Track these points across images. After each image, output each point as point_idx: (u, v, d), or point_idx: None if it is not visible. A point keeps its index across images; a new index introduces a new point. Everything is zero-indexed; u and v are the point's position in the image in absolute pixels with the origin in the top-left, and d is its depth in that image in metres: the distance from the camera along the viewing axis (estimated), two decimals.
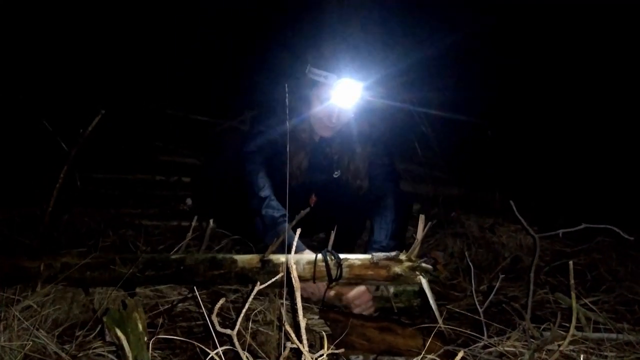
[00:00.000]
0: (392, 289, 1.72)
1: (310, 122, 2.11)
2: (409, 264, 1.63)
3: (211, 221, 1.76)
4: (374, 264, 1.64)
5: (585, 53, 4.19)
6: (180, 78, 4.10)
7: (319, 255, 1.63)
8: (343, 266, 1.62)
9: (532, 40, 4.29)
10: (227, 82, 4.14)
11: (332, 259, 1.63)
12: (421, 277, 1.62)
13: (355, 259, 1.66)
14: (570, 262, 1.35)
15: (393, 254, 1.65)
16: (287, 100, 1.63)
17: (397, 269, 1.63)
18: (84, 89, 3.66)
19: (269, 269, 1.62)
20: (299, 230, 1.12)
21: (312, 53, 2.01)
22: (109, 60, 3.96)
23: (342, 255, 1.64)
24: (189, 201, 2.98)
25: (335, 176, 2.23)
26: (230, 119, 3.70)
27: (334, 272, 1.61)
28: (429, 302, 1.62)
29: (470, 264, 1.72)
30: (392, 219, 2.05)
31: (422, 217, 1.62)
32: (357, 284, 1.70)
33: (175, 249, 1.76)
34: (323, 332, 1.42)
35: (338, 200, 2.19)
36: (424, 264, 1.64)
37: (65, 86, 3.67)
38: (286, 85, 1.65)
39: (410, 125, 3.53)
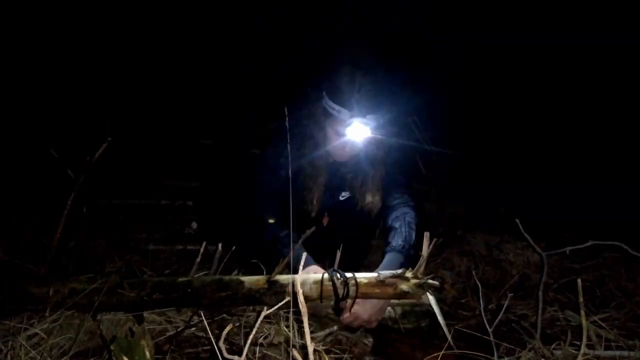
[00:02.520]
0: (399, 310, 1.71)
1: (326, 148, 2.15)
2: (416, 281, 1.62)
3: (220, 245, 1.77)
4: (380, 282, 1.63)
5: (588, 62, 4.22)
6: (186, 103, 4.14)
7: (326, 275, 1.63)
8: (350, 285, 1.61)
9: (533, 58, 4.33)
10: (232, 106, 4.17)
11: (338, 278, 1.62)
12: (428, 293, 1.61)
13: (362, 277, 1.66)
14: (579, 280, 1.35)
15: (399, 271, 1.64)
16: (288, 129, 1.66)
17: (404, 286, 1.62)
18: (89, 114, 3.69)
19: (275, 289, 1.62)
20: (304, 257, 1.12)
21: (328, 83, 2.05)
22: (115, 85, 4.00)
23: (348, 274, 1.64)
24: (194, 225, 2.98)
25: (343, 197, 2.25)
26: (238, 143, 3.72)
27: (340, 291, 1.61)
28: (437, 322, 1.61)
29: (477, 282, 1.71)
30: (408, 230, 2.07)
31: (427, 235, 1.62)
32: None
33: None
34: (324, 354, 1.42)
35: (350, 220, 2.20)
36: (430, 281, 1.64)
37: (70, 112, 3.71)
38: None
39: (414, 143, 3.55)
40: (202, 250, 1.77)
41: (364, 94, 1.96)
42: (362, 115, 1.96)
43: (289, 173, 1.92)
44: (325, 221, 2.25)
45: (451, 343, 1.51)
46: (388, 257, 1.97)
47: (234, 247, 1.80)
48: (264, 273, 1.74)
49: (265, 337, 1.56)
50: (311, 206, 2.16)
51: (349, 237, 2.05)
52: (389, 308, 1.73)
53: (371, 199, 2.21)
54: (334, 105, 1.99)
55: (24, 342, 1.37)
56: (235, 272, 2.02)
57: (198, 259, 1.76)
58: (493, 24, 4.29)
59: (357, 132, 2.00)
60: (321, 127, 2.10)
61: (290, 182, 1.70)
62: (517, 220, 1.56)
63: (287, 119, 1.97)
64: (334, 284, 1.62)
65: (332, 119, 2.03)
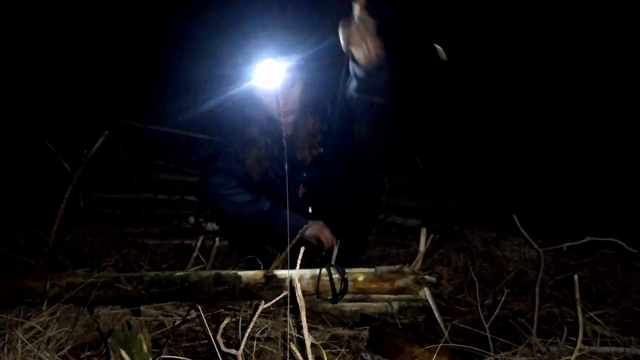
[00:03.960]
0: (396, 306, 1.71)
1: (272, 117, 2.11)
2: (413, 276, 1.63)
3: (217, 239, 1.77)
4: (377, 277, 1.64)
5: (586, 56, 4.21)
6: (180, 97, 4.13)
7: (323, 270, 1.63)
8: (347, 280, 1.62)
9: (529, 50, 4.33)
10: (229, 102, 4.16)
11: (335, 274, 1.62)
12: (425, 289, 1.61)
13: (359, 272, 1.66)
14: (576, 276, 1.35)
15: (397, 267, 1.64)
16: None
17: (401, 281, 1.62)
18: (86, 109, 3.69)
19: (273, 284, 1.62)
20: (302, 249, 1.12)
21: (239, 46, 2.05)
22: (111, 80, 3.99)
23: (346, 270, 1.64)
24: (191, 219, 2.98)
25: (306, 164, 2.20)
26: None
27: (337, 287, 1.61)
28: (433, 318, 1.61)
29: (474, 278, 1.72)
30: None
31: (424, 230, 1.62)
32: (360, 300, 1.70)
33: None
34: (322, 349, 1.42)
35: (323, 185, 2.19)
36: (427, 276, 1.64)
37: (67, 107, 3.70)
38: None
39: (410, 138, 3.55)
40: (199, 244, 1.77)
41: (271, 36, 1.98)
42: (272, 56, 1.90)
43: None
44: (300, 192, 2.23)
45: (447, 338, 1.51)
46: None
47: (217, 239, 1.80)
48: (261, 268, 1.74)
49: (263, 332, 1.56)
50: (255, 178, 2.18)
51: (328, 205, 2.05)
52: (385, 303, 1.73)
53: (308, 150, 2.16)
54: (250, 71, 1.93)
55: (20, 335, 1.37)
56: (232, 266, 2.03)
57: (195, 253, 1.76)
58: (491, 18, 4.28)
59: (269, 74, 1.91)
60: (254, 101, 2.09)
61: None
62: (515, 217, 1.57)
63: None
64: (331, 279, 1.62)
65: (255, 84, 1.98)
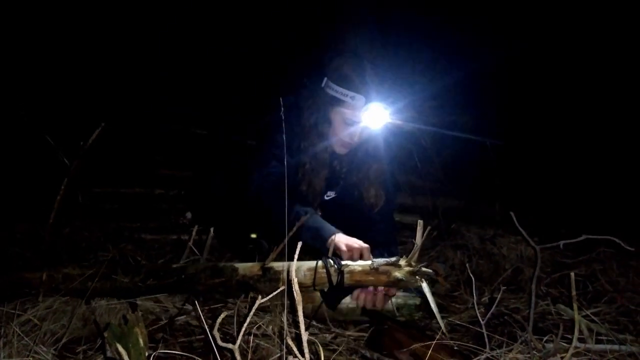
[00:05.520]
0: (394, 302, 1.71)
1: (332, 138, 2.02)
2: (409, 268, 1.62)
3: (212, 230, 1.76)
4: (374, 270, 1.63)
5: (584, 55, 4.23)
6: (180, 91, 4.13)
7: (320, 262, 1.62)
8: (344, 272, 1.61)
9: (528, 48, 4.34)
10: (228, 96, 4.16)
11: (332, 265, 1.62)
12: (423, 283, 1.61)
13: (356, 265, 1.65)
14: (572, 274, 1.35)
15: (393, 259, 1.63)
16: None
17: (398, 274, 1.62)
18: (83, 102, 3.67)
19: (270, 276, 1.61)
20: (300, 244, 1.12)
21: (332, 69, 1.94)
22: (109, 73, 3.98)
23: (342, 262, 1.64)
24: (188, 214, 2.97)
25: (328, 197, 2.19)
26: (233, 134, 3.72)
27: (334, 278, 1.60)
28: (430, 315, 1.62)
29: (471, 275, 1.72)
30: (391, 244, 2.07)
31: (420, 223, 1.61)
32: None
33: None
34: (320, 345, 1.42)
35: (342, 214, 2.16)
36: (424, 269, 1.63)
37: (65, 100, 3.68)
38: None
39: (409, 137, 3.55)
40: (193, 235, 1.76)
41: (377, 77, 1.88)
42: (380, 100, 1.86)
43: (285, 164, 1.89)
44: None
45: (445, 333, 1.51)
46: None
47: (212, 230, 1.78)
48: (257, 260, 1.74)
49: (259, 327, 1.56)
50: (312, 201, 2.06)
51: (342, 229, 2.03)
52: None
53: (374, 193, 2.11)
54: (346, 92, 1.87)
55: (16, 329, 1.37)
56: (229, 258, 2.03)
57: (190, 243, 1.76)
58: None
59: (374, 117, 1.89)
60: (326, 117, 1.97)
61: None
62: (512, 214, 1.57)
63: (285, 109, 1.91)
64: (327, 271, 1.61)
65: (343, 106, 1.91)
